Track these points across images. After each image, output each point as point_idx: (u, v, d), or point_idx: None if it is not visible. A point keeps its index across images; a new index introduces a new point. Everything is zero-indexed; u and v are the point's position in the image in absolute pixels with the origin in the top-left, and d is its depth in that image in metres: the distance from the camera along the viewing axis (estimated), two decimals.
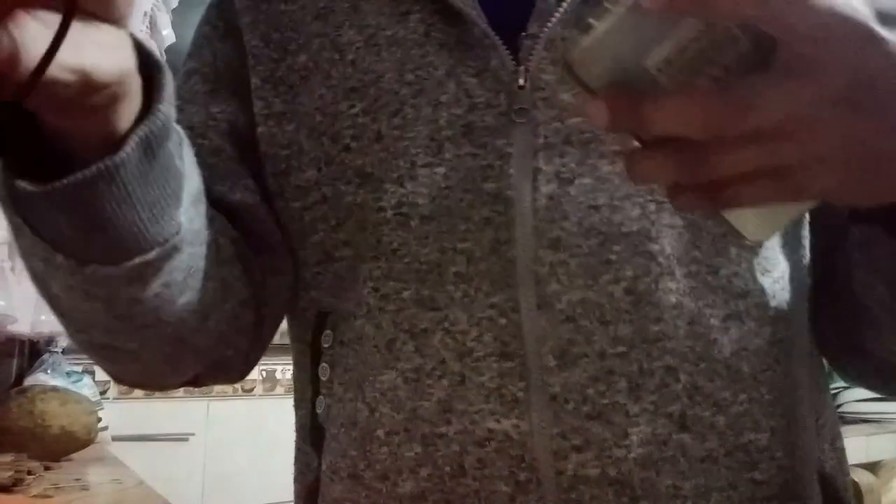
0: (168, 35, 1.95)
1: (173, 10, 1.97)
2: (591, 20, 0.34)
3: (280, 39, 0.60)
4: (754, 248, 0.54)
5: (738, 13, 0.32)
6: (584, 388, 0.50)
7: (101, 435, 1.56)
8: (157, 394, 2.11)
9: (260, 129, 0.60)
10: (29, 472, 1.21)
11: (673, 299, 0.51)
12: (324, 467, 0.57)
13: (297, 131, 0.58)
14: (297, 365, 0.63)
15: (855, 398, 2.19)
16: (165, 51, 1.97)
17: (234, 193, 0.60)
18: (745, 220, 0.39)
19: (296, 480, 0.62)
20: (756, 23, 0.32)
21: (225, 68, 0.63)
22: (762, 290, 0.54)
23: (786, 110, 0.33)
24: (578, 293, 0.50)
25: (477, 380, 0.51)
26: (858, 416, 2.21)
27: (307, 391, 0.60)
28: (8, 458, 1.28)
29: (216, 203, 0.58)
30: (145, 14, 1.91)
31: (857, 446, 2.06)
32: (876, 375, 0.59)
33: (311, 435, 0.59)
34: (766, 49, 0.33)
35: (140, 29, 1.90)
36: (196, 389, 2.19)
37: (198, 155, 0.57)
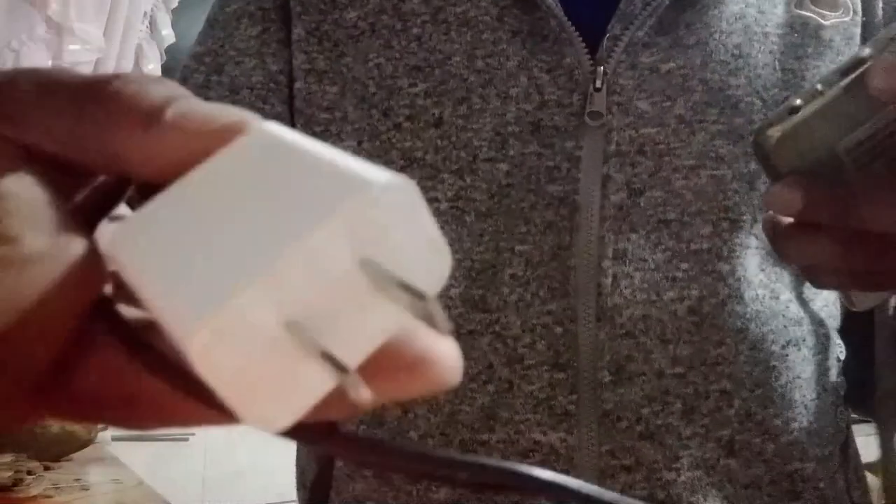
0: (168, 35, 1.95)
1: (173, 10, 1.97)
2: (797, 101, 0.33)
3: None
4: (800, 277, 0.53)
5: None
6: (639, 406, 0.48)
7: (101, 435, 1.56)
8: None
9: (297, 85, 0.56)
10: (29, 472, 1.21)
11: (738, 324, 0.50)
12: (338, 463, 0.55)
13: (341, 96, 0.54)
14: None
15: None
16: (165, 51, 1.97)
17: None
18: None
19: (297, 474, 0.61)
20: None
21: (272, 7, 0.58)
22: (811, 318, 0.53)
23: None
24: (640, 309, 0.49)
25: (526, 388, 0.49)
26: (858, 416, 2.22)
27: None
28: (8, 458, 1.28)
29: None
30: (145, 14, 1.92)
31: (858, 446, 2.06)
32: None
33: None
34: None
35: (140, 29, 1.90)
36: None
37: None
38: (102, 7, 1.83)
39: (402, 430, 0.51)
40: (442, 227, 0.51)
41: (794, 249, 0.35)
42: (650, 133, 0.50)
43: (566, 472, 0.48)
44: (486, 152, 0.50)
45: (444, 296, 0.50)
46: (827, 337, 0.54)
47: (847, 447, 0.56)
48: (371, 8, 0.54)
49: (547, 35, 0.51)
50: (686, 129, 0.50)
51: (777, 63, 0.52)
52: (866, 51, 0.32)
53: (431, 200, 0.51)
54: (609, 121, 0.50)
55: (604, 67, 0.50)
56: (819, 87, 0.33)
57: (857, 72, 0.31)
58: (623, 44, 0.50)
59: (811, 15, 0.54)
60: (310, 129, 0.55)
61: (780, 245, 0.35)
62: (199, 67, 0.59)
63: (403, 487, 0.51)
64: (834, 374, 0.54)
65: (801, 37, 0.54)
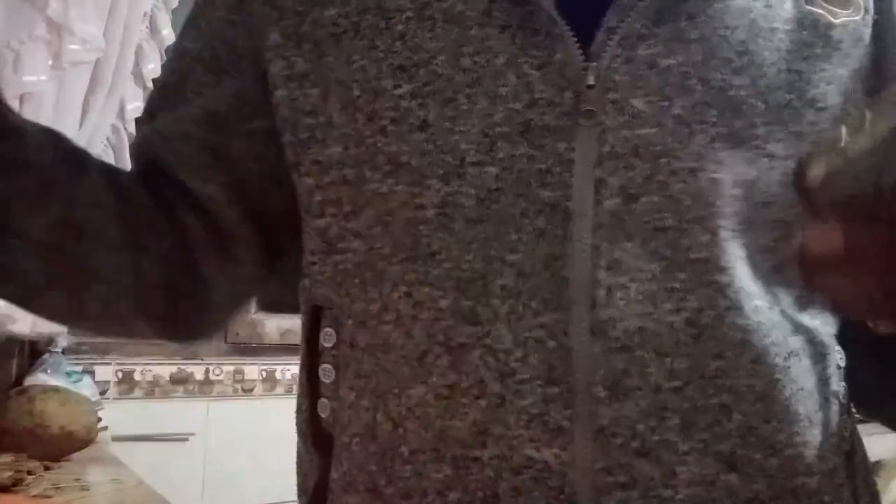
0: (168, 35, 1.95)
1: (173, 10, 1.97)
2: (844, 137, 0.32)
3: None
4: (792, 283, 0.51)
5: None
6: (635, 422, 0.46)
7: (101, 435, 1.56)
8: (157, 394, 2.11)
9: (279, 93, 0.54)
10: (29, 472, 1.21)
11: (738, 336, 0.48)
12: (334, 476, 0.53)
13: (323, 98, 0.52)
14: (301, 361, 0.59)
15: None
16: (165, 51, 1.97)
17: (205, 186, 0.59)
18: None
19: (298, 480, 0.60)
20: None
21: (225, 44, 0.58)
22: (808, 326, 0.51)
23: None
24: (636, 321, 0.47)
25: (518, 403, 0.47)
26: (859, 416, 2.21)
27: (306, 391, 0.56)
28: (8, 458, 1.28)
29: (182, 189, 0.59)
30: (145, 14, 1.92)
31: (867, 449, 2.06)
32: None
33: (315, 439, 0.55)
34: None
35: (140, 29, 1.90)
36: (196, 389, 2.19)
37: (173, 143, 0.59)
38: (102, 7, 1.83)
39: (393, 445, 0.50)
40: (429, 236, 0.48)
41: (830, 284, 0.34)
42: (646, 134, 0.48)
43: (560, 488, 0.47)
44: (474, 156, 0.48)
45: (434, 307, 0.48)
46: (824, 345, 0.53)
47: (853, 455, 0.54)
48: (354, 6, 0.52)
49: (538, 29, 0.49)
50: (684, 130, 0.48)
51: (784, 63, 0.50)
52: None
53: (419, 207, 0.49)
54: (603, 120, 0.48)
55: (597, 63, 0.48)
56: (866, 122, 0.32)
57: None
58: (618, 36, 0.48)
59: (821, 12, 0.52)
60: (296, 136, 0.54)
61: (815, 279, 0.35)
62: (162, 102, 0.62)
63: (394, 502, 0.50)
64: (835, 383, 0.53)
65: (809, 35, 0.51)
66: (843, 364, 0.54)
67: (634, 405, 0.47)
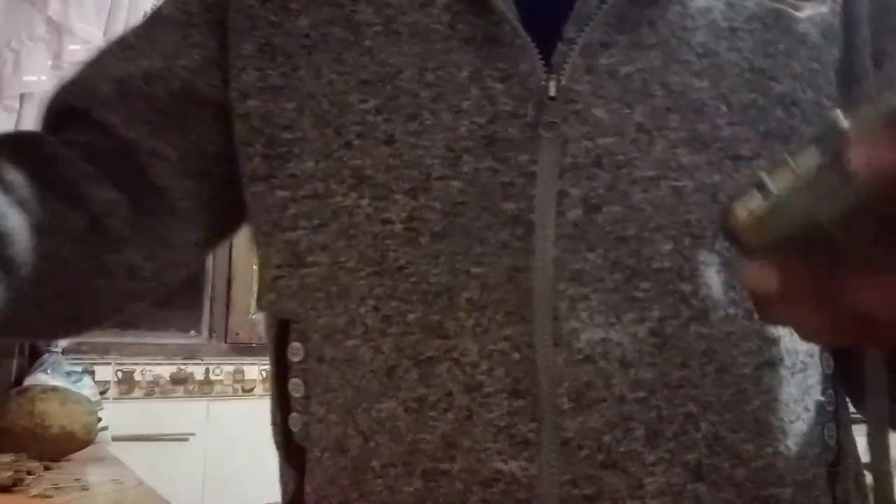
0: None
1: None
2: (765, 178, 0.31)
3: None
4: None
5: None
6: (601, 434, 0.46)
7: (101, 435, 1.56)
8: (157, 394, 2.11)
9: (251, 103, 0.54)
10: (29, 472, 1.21)
11: (703, 345, 0.47)
12: (308, 490, 0.53)
13: (299, 114, 0.52)
14: (271, 375, 0.58)
15: None
16: None
17: (154, 140, 0.57)
18: None
19: (281, 484, 0.59)
20: None
21: (204, 6, 0.58)
22: (791, 336, 0.50)
23: None
24: (599, 332, 0.47)
25: (485, 416, 0.47)
26: (859, 415, 2.21)
27: (278, 405, 0.55)
28: (8, 458, 1.28)
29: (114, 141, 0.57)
30: (145, 14, 1.92)
31: (858, 446, 2.06)
32: None
33: (288, 452, 0.55)
34: None
35: None
36: (196, 389, 2.19)
37: (129, 97, 0.57)
38: (102, 7, 1.83)
39: (364, 459, 0.50)
40: (397, 250, 0.48)
41: (776, 318, 0.33)
42: (607, 143, 0.48)
43: (528, 501, 0.46)
44: (440, 170, 0.48)
45: (402, 321, 0.48)
46: (809, 354, 0.51)
47: (838, 463, 0.53)
48: (323, 17, 0.52)
49: (501, 41, 0.49)
50: (645, 137, 0.48)
51: (746, 62, 0.50)
52: (844, 124, 0.29)
53: (385, 222, 0.49)
54: (564, 131, 0.48)
55: (558, 74, 0.48)
56: (789, 160, 0.30)
57: (835, 148, 0.29)
58: (579, 46, 0.48)
59: (783, 7, 0.51)
60: (273, 149, 0.53)
61: (762, 312, 0.34)
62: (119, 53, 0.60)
63: None
64: (819, 392, 0.52)
65: (771, 32, 0.51)
66: (830, 370, 0.53)
67: (599, 416, 0.46)
